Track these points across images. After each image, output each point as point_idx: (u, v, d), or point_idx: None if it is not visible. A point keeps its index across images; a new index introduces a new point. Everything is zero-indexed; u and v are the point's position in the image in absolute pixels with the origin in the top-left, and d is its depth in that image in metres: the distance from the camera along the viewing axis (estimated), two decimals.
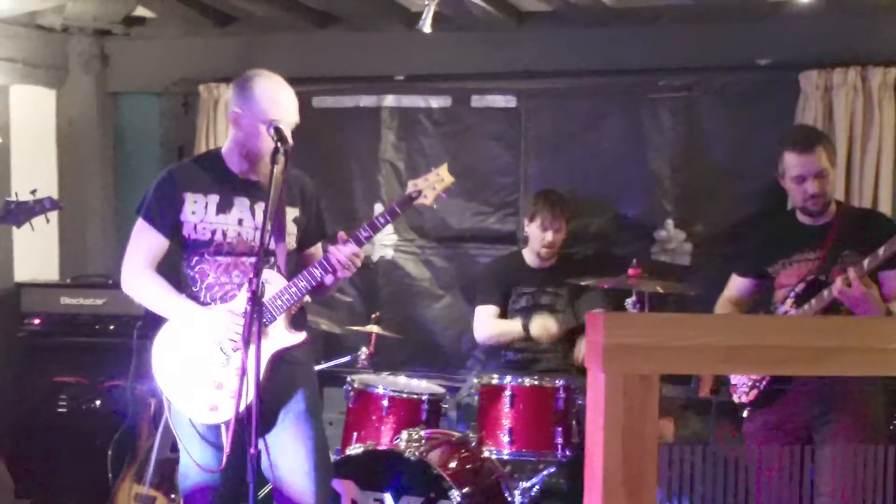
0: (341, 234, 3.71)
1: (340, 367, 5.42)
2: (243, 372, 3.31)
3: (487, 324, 5.33)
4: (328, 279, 3.70)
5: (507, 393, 4.74)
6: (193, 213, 3.72)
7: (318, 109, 6.22)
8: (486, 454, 4.69)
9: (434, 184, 3.79)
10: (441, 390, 5.04)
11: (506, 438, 4.70)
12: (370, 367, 5.33)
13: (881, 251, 3.76)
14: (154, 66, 6.65)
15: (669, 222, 5.71)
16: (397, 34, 6.12)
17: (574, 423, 4.76)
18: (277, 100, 3.66)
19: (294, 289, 3.67)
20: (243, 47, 6.39)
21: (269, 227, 3.51)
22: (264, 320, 3.64)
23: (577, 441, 4.73)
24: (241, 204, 3.74)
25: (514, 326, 5.23)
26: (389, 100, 6.19)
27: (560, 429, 4.70)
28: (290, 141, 3.58)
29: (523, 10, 5.92)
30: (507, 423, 4.71)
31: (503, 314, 5.35)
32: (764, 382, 4.06)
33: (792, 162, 4.09)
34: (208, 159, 3.88)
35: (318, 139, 6.09)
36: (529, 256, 5.43)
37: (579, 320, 5.28)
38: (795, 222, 4.21)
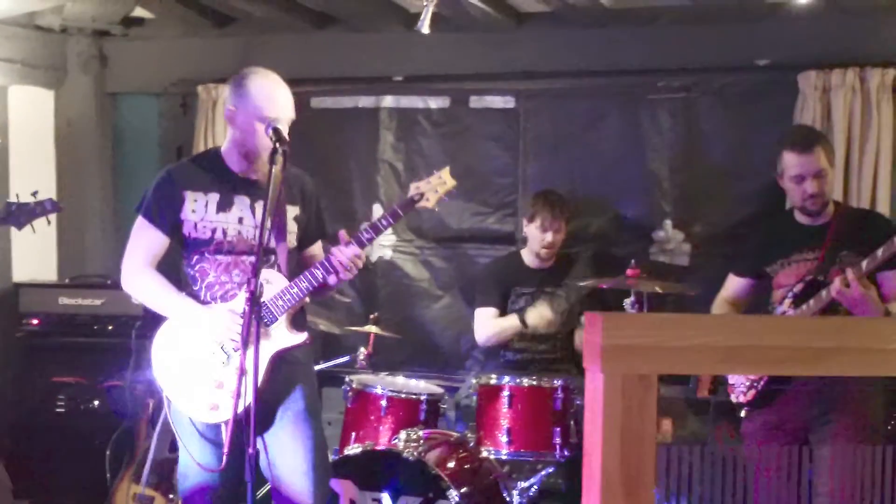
0: (342, 234, 3.71)
1: (339, 367, 5.42)
2: (242, 372, 3.31)
3: (487, 325, 5.33)
4: (331, 280, 3.70)
5: (506, 393, 4.74)
6: (194, 211, 3.72)
7: (317, 110, 6.22)
8: (484, 454, 4.69)
9: (436, 186, 3.80)
10: (439, 390, 5.04)
11: (504, 438, 4.70)
12: (369, 367, 5.33)
13: (879, 253, 3.77)
14: (152, 66, 6.65)
15: (668, 223, 5.72)
16: (396, 35, 6.12)
17: (572, 423, 4.76)
18: (272, 97, 3.66)
19: (296, 289, 3.67)
20: (242, 48, 6.39)
21: (268, 225, 3.52)
22: (266, 320, 3.65)
23: (575, 441, 4.73)
24: (241, 202, 3.74)
25: (511, 321, 5.23)
26: (388, 100, 6.20)
27: (558, 429, 4.70)
28: (287, 139, 3.58)
29: (522, 11, 5.92)
30: (505, 423, 4.71)
31: (502, 315, 5.35)
32: (762, 382, 4.07)
33: (791, 161, 4.09)
34: (208, 158, 3.88)
35: (317, 140, 6.09)
36: (528, 257, 5.43)
37: (578, 321, 5.28)
38: (794, 222, 4.22)
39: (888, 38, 5.34)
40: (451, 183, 3.83)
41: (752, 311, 4.39)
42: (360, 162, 6.24)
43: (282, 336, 3.71)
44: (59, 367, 5.89)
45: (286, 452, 3.73)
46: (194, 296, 3.73)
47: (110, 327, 5.88)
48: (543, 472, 4.75)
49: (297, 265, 3.83)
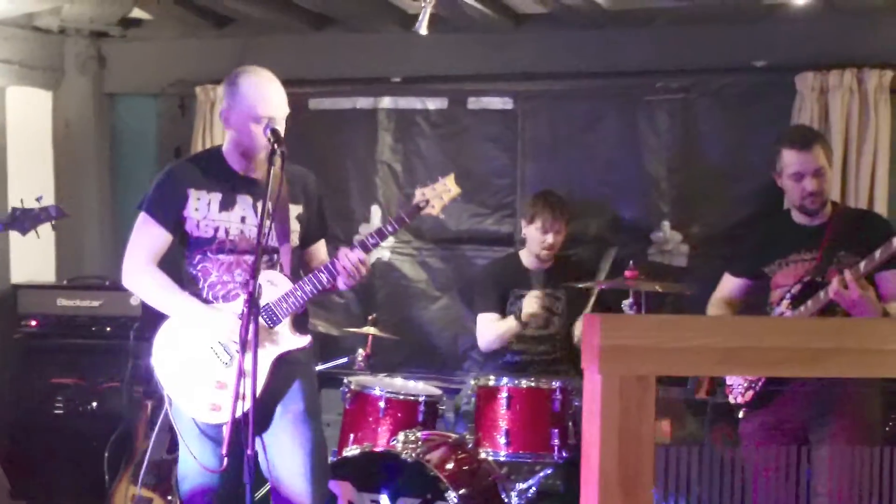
0: (346, 250, 3.71)
1: (337, 368, 5.42)
2: (240, 374, 3.31)
3: (488, 330, 5.32)
4: (340, 284, 3.70)
5: (504, 394, 4.74)
6: (197, 209, 3.71)
7: (315, 111, 6.23)
8: (482, 455, 4.69)
9: (441, 193, 3.81)
10: (438, 392, 5.04)
11: (502, 440, 4.70)
12: (367, 368, 5.33)
13: (877, 254, 3.76)
14: (150, 67, 6.65)
15: (666, 224, 5.72)
16: (394, 36, 6.12)
17: (570, 424, 4.76)
18: (264, 96, 3.66)
19: (300, 292, 3.68)
20: (240, 49, 6.38)
21: (266, 227, 3.51)
22: (269, 323, 3.65)
23: (573, 442, 4.73)
24: (243, 202, 3.74)
25: (509, 323, 5.22)
26: (386, 101, 6.19)
27: (556, 430, 4.70)
28: (283, 139, 3.58)
29: (520, 13, 5.92)
30: (503, 424, 4.71)
31: (503, 318, 5.34)
32: (760, 383, 4.07)
33: (790, 159, 4.09)
34: (210, 157, 3.88)
35: (315, 141, 6.10)
36: (527, 258, 5.42)
37: (577, 322, 5.28)
38: (791, 223, 4.22)
39: (886, 39, 5.34)
40: (455, 190, 3.85)
41: (749, 311, 4.39)
42: (358, 163, 6.24)
43: (285, 338, 3.71)
44: (58, 368, 5.88)
45: (285, 453, 3.73)
46: (197, 295, 3.72)
47: (108, 328, 5.88)
48: (542, 474, 4.75)
49: (299, 263, 3.83)
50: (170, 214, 3.71)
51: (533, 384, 4.78)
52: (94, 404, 5.83)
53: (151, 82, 6.65)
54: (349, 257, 3.65)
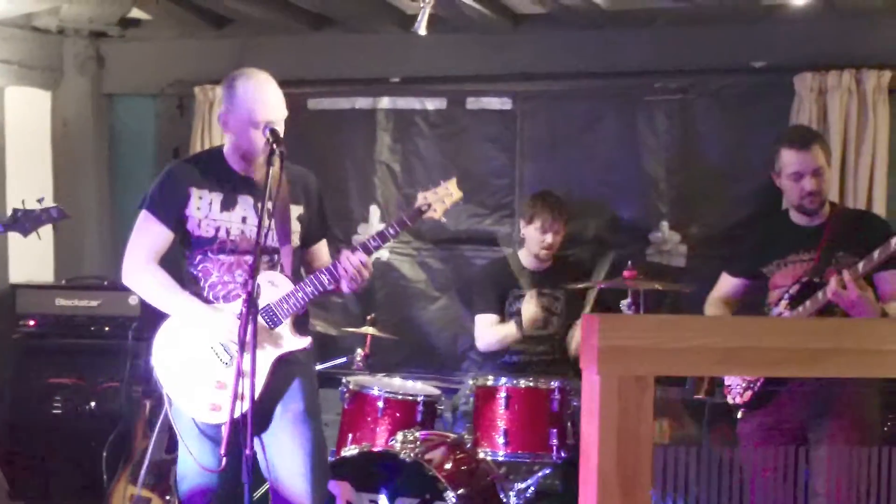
0: (348, 252, 3.71)
1: (336, 368, 5.42)
2: (238, 374, 3.30)
3: (488, 332, 5.32)
4: (344, 287, 3.70)
5: (503, 394, 4.74)
6: (198, 208, 3.71)
7: (314, 111, 6.23)
8: (481, 455, 4.69)
9: (443, 197, 3.82)
10: (436, 392, 5.04)
11: (501, 440, 4.70)
12: (365, 368, 5.33)
13: (876, 254, 3.76)
14: (149, 67, 6.65)
15: (664, 224, 5.72)
16: (393, 36, 6.12)
17: (569, 424, 4.76)
18: (261, 99, 3.64)
19: (301, 293, 3.67)
20: (238, 49, 6.39)
21: (266, 226, 3.51)
22: (270, 323, 3.65)
23: (572, 442, 4.73)
24: (244, 202, 3.73)
25: (510, 329, 5.22)
26: (385, 102, 6.19)
27: (555, 430, 4.70)
28: (283, 139, 3.58)
29: (518, 13, 5.92)
30: (502, 424, 4.72)
31: (502, 319, 5.34)
32: (758, 384, 4.07)
33: (789, 159, 4.09)
34: (211, 157, 3.87)
35: (314, 141, 6.10)
36: (526, 258, 5.42)
37: (575, 322, 5.29)
38: (789, 223, 4.22)
39: (884, 40, 5.35)
40: (458, 194, 3.86)
41: (746, 311, 4.39)
42: (357, 163, 6.24)
43: (286, 340, 3.71)
44: (56, 368, 5.88)
45: (285, 453, 3.73)
46: (198, 295, 3.72)
47: (107, 328, 5.88)
48: (540, 474, 4.75)
49: (300, 263, 3.83)
50: (171, 213, 3.71)
51: (531, 384, 4.78)
52: (93, 404, 5.83)
53: (150, 82, 6.66)
54: (351, 260, 3.65)
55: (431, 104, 6.13)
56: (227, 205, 3.72)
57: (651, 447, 1.69)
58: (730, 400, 4.18)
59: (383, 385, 5.04)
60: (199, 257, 3.74)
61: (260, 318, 3.60)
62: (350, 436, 4.79)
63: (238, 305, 3.57)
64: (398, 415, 4.78)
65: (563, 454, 4.69)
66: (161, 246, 3.72)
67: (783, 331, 1.77)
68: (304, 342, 3.77)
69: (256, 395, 3.45)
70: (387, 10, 5.94)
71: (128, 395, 5.62)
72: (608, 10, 5.59)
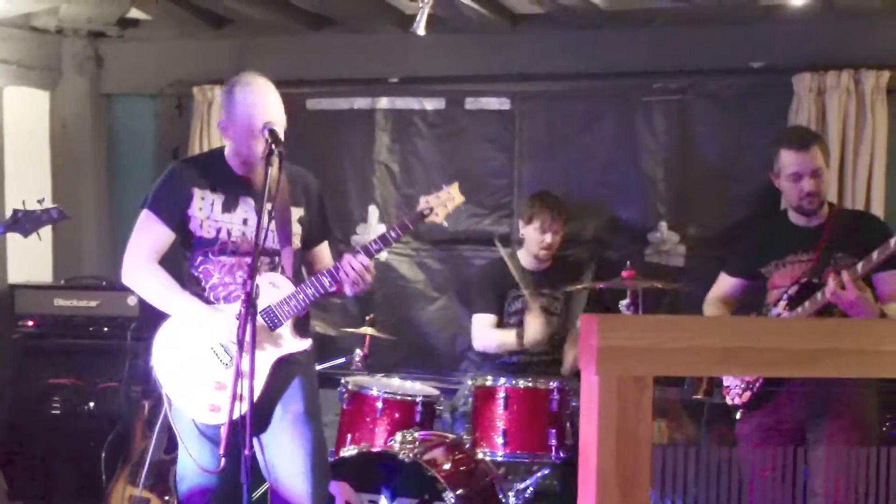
0: (349, 255, 3.71)
1: (335, 368, 5.42)
2: (237, 375, 3.30)
3: (486, 334, 5.32)
4: (346, 290, 3.70)
5: (501, 394, 4.74)
6: (201, 209, 3.71)
7: (313, 111, 6.23)
8: (480, 456, 4.69)
9: (445, 202, 3.83)
10: (435, 392, 5.04)
11: (500, 440, 4.70)
12: (364, 368, 5.33)
13: (875, 255, 3.76)
14: (148, 68, 6.65)
15: (663, 224, 5.72)
16: (391, 36, 6.12)
17: (568, 424, 4.76)
18: (260, 107, 3.61)
19: (302, 295, 3.67)
20: (237, 49, 6.39)
21: (264, 226, 3.50)
22: (270, 325, 3.65)
23: (570, 443, 4.73)
24: (245, 204, 3.73)
25: (510, 338, 5.21)
26: (384, 102, 6.19)
27: (554, 430, 4.70)
28: (282, 140, 3.57)
29: (517, 13, 5.92)
30: (501, 424, 4.71)
31: (500, 319, 5.35)
32: (757, 384, 4.07)
33: (788, 160, 4.09)
34: (212, 158, 3.87)
35: (313, 141, 6.10)
36: (525, 259, 5.42)
37: (574, 323, 5.29)
38: (788, 224, 4.22)
39: (883, 40, 5.35)
40: (459, 199, 3.88)
41: (744, 311, 4.40)
42: (356, 163, 6.24)
43: (286, 341, 3.71)
44: (55, 368, 5.88)
45: (285, 454, 3.73)
46: (199, 296, 3.72)
47: (106, 329, 5.88)
48: (539, 474, 4.76)
49: (301, 265, 3.83)
50: (174, 212, 3.70)
51: (530, 384, 4.78)
52: (92, 404, 5.83)
53: (149, 83, 6.65)
54: (352, 263, 3.65)
55: (430, 104, 6.13)
56: (229, 206, 3.72)
57: (650, 447, 1.69)
58: (728, 401, 4.18)
59: (382, 385, 5.04)
60: (199, 258, 3.73)
61: (260, 319, 3.61)
62: (349, 436, 4.79)
63: (238, 306, 3.57)
64: (397, 415, 4.78)
65: (561, 454, 4.69)
66: (162, 246, 3.72)
67: (782, 331, 1.77)
68: (305, 344, 3.77)
69: (256, 396, 3.45)
70: (386, 11, 5.94)
71: (126, 396, 5.62)
72: (606, 11, 5.59)
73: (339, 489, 4.40)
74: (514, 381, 4.79)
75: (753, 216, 5.40)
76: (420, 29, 4.92)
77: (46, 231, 4.73)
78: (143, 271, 3.71)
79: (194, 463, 3.69)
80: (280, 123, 3.65)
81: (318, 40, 6.33)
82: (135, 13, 6.49)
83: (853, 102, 5.28)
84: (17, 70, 6.32)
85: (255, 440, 3.70)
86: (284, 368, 3.72)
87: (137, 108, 6.77)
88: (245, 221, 3.71)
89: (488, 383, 4.81)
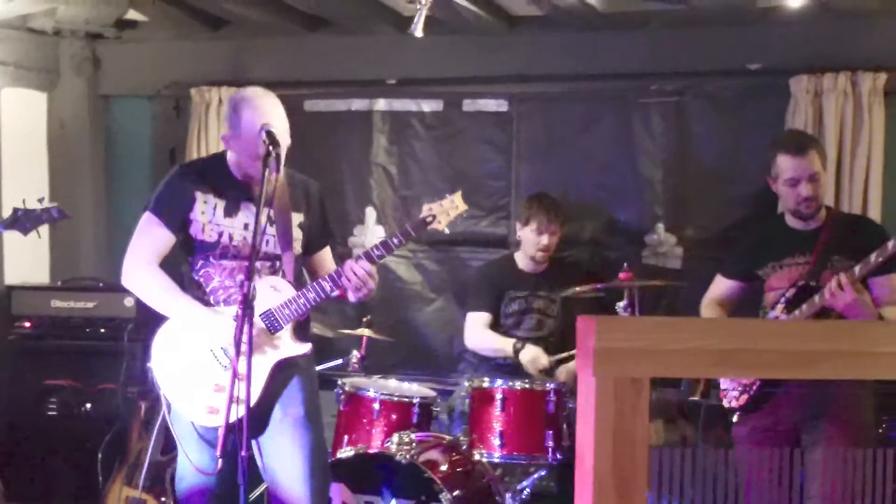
0: (351, 261, 3.70)
1: (331, 370, 5.41)
2: (234, 377, 3.30)
3: (480, 334, 5.32)
4: (350, 296, 3.70)
5: (498, 396, 4.74)
6: (203, 212, 3.71)
7: (310, 113, 6.22)
8: (476, 457, 4.69)
9: (448, 210, 3.83)
10: (432, 393, 5.04)
11: (497, 441, 4.70)
12: (361, 370, 5.32)
13: (873, 257, 3.77)
14: (146, 69, 6.65)
15: (660, 226, 5.73)
16: (389, 38, 6.12)
17: (565, 426, 4.76)
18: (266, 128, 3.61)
19: (303, 299, 3.67)
20: (234, 51, 6.39)
21: (262, 224, 3.49)
22: (271, 328, 3.64)
23: (567, 444, 4.73)
24: (247, 209, 3.73)
25: (505, 346, 5.21)
26: (381, 103, 6.20)
27: (551, 432, 4.70)
28: (279, 142, 3.56)
29: (514, 15, 5.93)
30: (497, 426, 4.72)
31: (495, 320, 5.35)
32: (754, 387, 4.07)
33: (786, 165, 4.09)
34: (215, 163, 3.86)
35: (310, 143, 6.08)
36: (522, 260, 5.43)
37: (571, 325, 5.29)
38: (785, 227, 4.22)
39: (880, 42, 5.36)
40: (462, 207, 3.87)
41: (741, 313, 4.40)
42: (353, 165, 6.25)
43: (286, 345, 3.71)
44: (52, 369, 5.87)
45: (284, 458, 3.73)
46: (199, 299, 3.71)
47: (103, 330, 5.87)
48: (536, 475, 4.76)
49: (301, 270, 3.83)
50: (176, 216, 3.70)
51: (527, 386, 4.78)
52: (88, 406, 5.82)
53: (146, 84, 6.65)
54: (354, 269, 3.64)
55: (428, 106, 6.14)
56: (230, 211, 3.72)
57: (647, 449, 1.69)
58: (726, 404, 4.18)
59: (379, 387, 5.04)
60: (200, 262, 3.73)
61: (260, 323, 3.61)
62: (346, 437, 4.79)
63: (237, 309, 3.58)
64: (394, 416, 4.78)
65: (558, 456, 4.70)
66: (163, 248, 3.72)
67: (779, 333, 1.77)
68: (304, 348, 3.77)
69: (255, 399, 3.45)
70: (383, 12, 5.94)
71: (124, 397, 5.61)
72: (603, 13, 5.59)
73: (334, 490, 4.40)
74: (510, 383, 4.79)
75: (751, 218, 5.40)
76: (417, 30, 4.91)
77: (44, 232, 4.73)
78: (143, 273, 3.71)
79: (192, 465, 3.69)
80: (286, 145, 3.62)
81: (316, 42, 6.33)
82: (132, 14, 6.49)
83: (850, 104, 5.28)
84: (15, 71, 6.32)
85: (254, 443, 3.70)
86: (284, 372, 3.72)
87: (135, 110, 6.77)
88: (246, 226, 3.71)
89: (485, 385, 4.81)
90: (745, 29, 5.61)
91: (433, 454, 4.53)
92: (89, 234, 6.63)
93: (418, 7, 4.84)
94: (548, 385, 4.77)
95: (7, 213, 4.62)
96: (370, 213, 6.18)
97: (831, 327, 1.99)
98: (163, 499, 5.01)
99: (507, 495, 4.63)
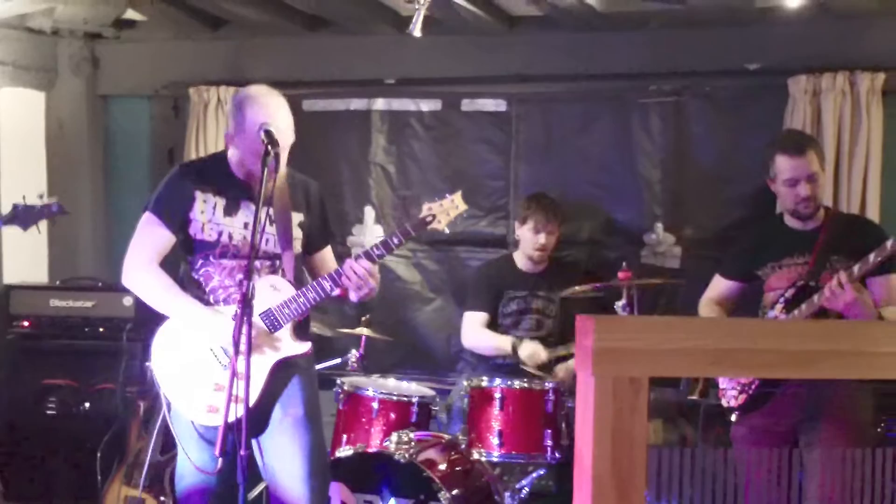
0: (351, 260, 3.70)
1: (330, 369, 5.41)
2: (233, 376, 3.30)
3: (478, 333, 5.33)
4: (352, 296, 3.70)
5: (497, 395, 4.74)
6: (202, 212, 3.71)
7: (309, 113, 6.22)
8: (475, 456, 4.69)
9: (448, 210, 3.83)
10: (431, 393, 5.04)
11: (495, 441, 4.70)
12: (360, 369, 5.33)
13: (871, 257, 3.77)
14: (144, 69, 6.65)
15: (659, 226, 5.73)
16: (388, 38, 6.12)
17: (563, 425, 4.77)
18: (271, 125, 3.61)
19: (303, 298, 3.67)
20: (233, 51, 6.39)
21: (261, 221, 3.49)
22: (270, 327, 3.64)
23: (566, 443, 4.73)
24: (246, 208, 3.73)
25: (503, 344, 5.22)
26: (380, 103, 6.20)
27: (549, 431, 4.70)
28: (278, 141, 3.56)
29: (513, 15, 5.93)
30: (496, 425, 4.72)
31: (493, 320, 5.36)
32: (753, 387, 4.07)
33: (784, 165, 4.10)
34: (215, 162, 3.86)
35: (309, 142, 6.04)
36: (521, 260, 5.43)
37: (569, 324, 5.29)
38: (784, 227, 4.23)
39: (878, 42, 5.36)
40: (462, 207, 3.87)
41: (740, 312, 4.40)
42: (352, 164, 6.25)
43: (285, 344, 3.71)
44: (51, 369, 5.86)
45: (284, 458, 3.73)
46: (199, 299, 3.71)
47: (101, 329, 5.87)
48: (535, 475, 4.77)
49: (302, 270, 3.83)
50: (176, 215, 3.71)
51: (526, 385, 4.79)
52: (87, 405, 5.82)
53: (145, 84, 6.65)
54: (354, 268, 3.64)
55: (426, 106, 6.14)
56: (230, 210, 3.73)
57: (645, 448, 1.69)
58: (724, 403, 4.19)
59: (378, 386, 5.05)
60: (200, 261, 3.73)
61: (260, 322, 3.61)
62: (345, 437, 4.79)
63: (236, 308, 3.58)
64: (393, 416, 4.78)
65: (557, 455, 4.70)
66: (163, 248, 3.73)
67: (777, 332, 1.77)
68: (304, 347, 3.78)
69: (254, 398, 3.46)
70: (382, 12, 5.94)
71: (122, 396, 5.61)
72: (602, 13, 5.59)
73: (335, 490, 4.41)
74: (509, 382, 4.79)
75: (749, 217, 5.40)
76: (416, 30, 4.91)
77: (43, 231, 4.72)
78: (143, 273, 3.72)
79: (192, 464, 3.69)
80: (289, 142, 3.63)
81: (314, 41, 6.33)
82: (131, 14, 6.49)
83: (848, 104, 5.28)
84: (13, 71, 6.31)
85: (254, 442, 3.71)
86: (284, 371, 3.72)
87: (133, 109, 6.77)
88: (246, 225, 3.71)
89: (484, 384, 4.81)
90: (744, 29, 5.61)
91: (432, 453, 4.54)
92: (88, 233, 6.63)
93: (417, 7, 4.84)
94: (546, 384, 4.78)
95: (10, 207, 4.62)
96: (369, 213, 6.19)
97: (830, 327, 2.00)
98: (162, 498, 5.01)
99: (506, 494, 4.63)
